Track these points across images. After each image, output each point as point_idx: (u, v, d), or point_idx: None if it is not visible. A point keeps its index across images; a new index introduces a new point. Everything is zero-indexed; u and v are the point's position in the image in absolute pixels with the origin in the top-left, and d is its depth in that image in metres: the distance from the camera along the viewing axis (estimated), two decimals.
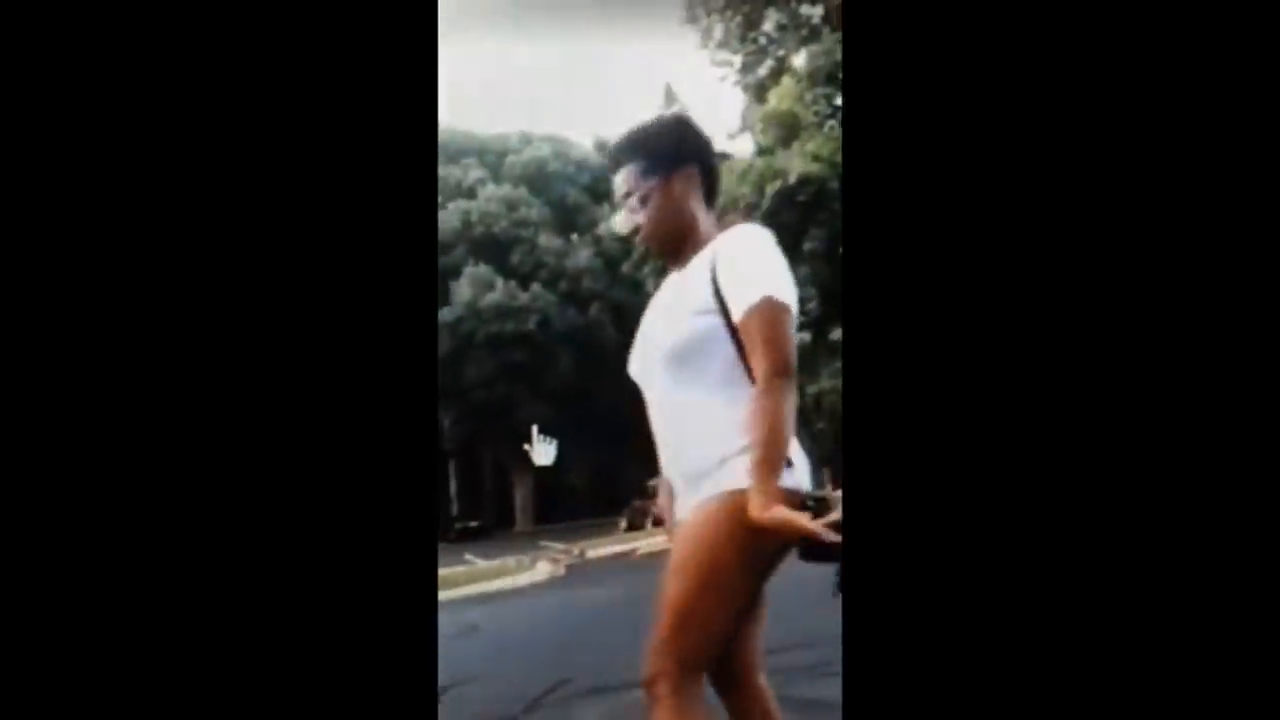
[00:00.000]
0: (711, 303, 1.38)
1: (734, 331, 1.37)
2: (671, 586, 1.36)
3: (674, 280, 1.52)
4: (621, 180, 1.50)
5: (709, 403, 1.39)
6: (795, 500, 1.32)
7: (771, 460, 1.29)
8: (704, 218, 1.51)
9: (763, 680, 1.52)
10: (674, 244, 1.50)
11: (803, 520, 1.25)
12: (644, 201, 1.47)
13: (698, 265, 1.44)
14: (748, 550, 1.33)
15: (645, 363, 1.49)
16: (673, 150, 1.49)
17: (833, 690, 3.00)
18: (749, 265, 1.38)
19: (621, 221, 1.51)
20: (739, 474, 1.32)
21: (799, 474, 1.38)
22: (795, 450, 1.39)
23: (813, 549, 1.30)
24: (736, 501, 1.30)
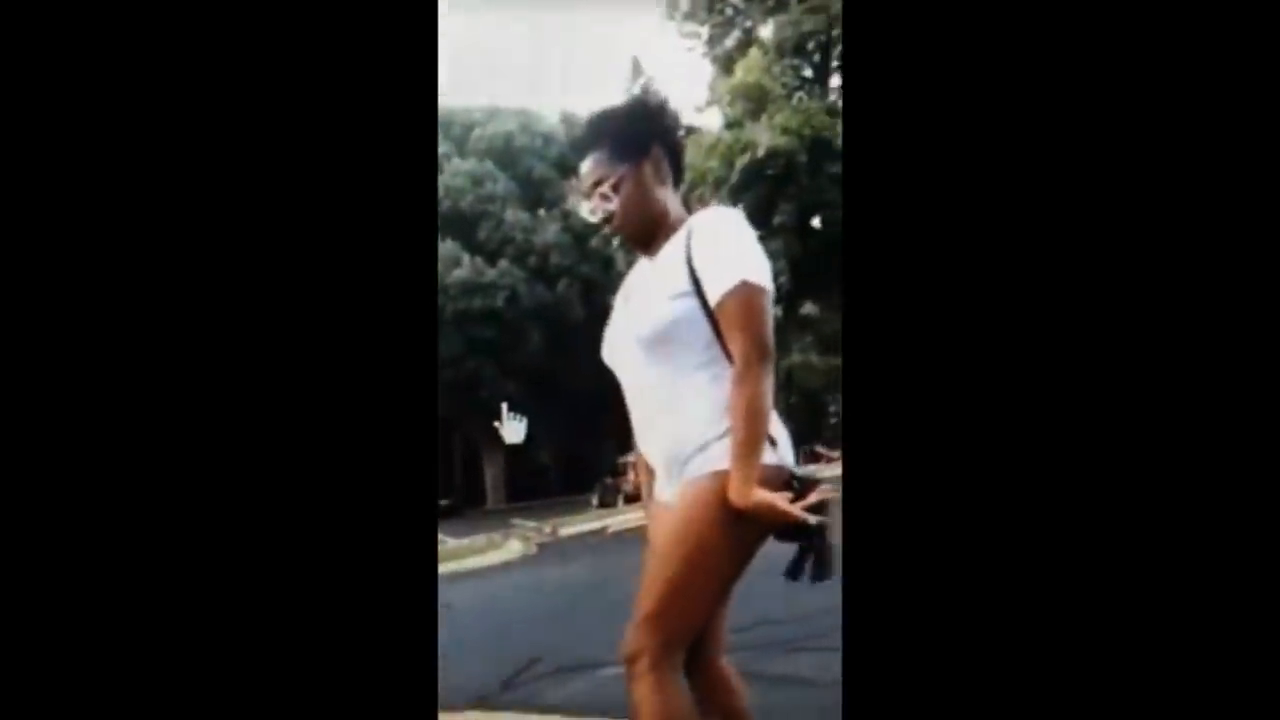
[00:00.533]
0: (687, 286, 1.38)
1: (710, 314, 1.36)
2: (658, 565, 1.36)
3: (645, 266, 1.51)
4: (589, 168, 1.48)
5: (688, 386, 1.39)
6: (779, 479, 1.34)
7: (751, 444, 1.30)
8: (673, 201, 1.50)
9: (725, 661, 1.53)
10: (646, 230, 1.48)
11: (782, 504, 1.29)
12: (616, 189, 1.45)
13: (671, 249, 1.43)
14: (734, 530, 1.33)
15: (619, 349, 1.48)
16: (640, 134, 1.47)
17: (803, 666, 3.05)
18: (724, 248, 1.37)
19: (591, 210, 1.49)
20: (722, 456, 1.33)
21: (782, 451, 1.39)
22: (777, 427, 1.40)
23: (788, 529, 1.32)
24: (723, 482, 1.32)
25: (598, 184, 1.47)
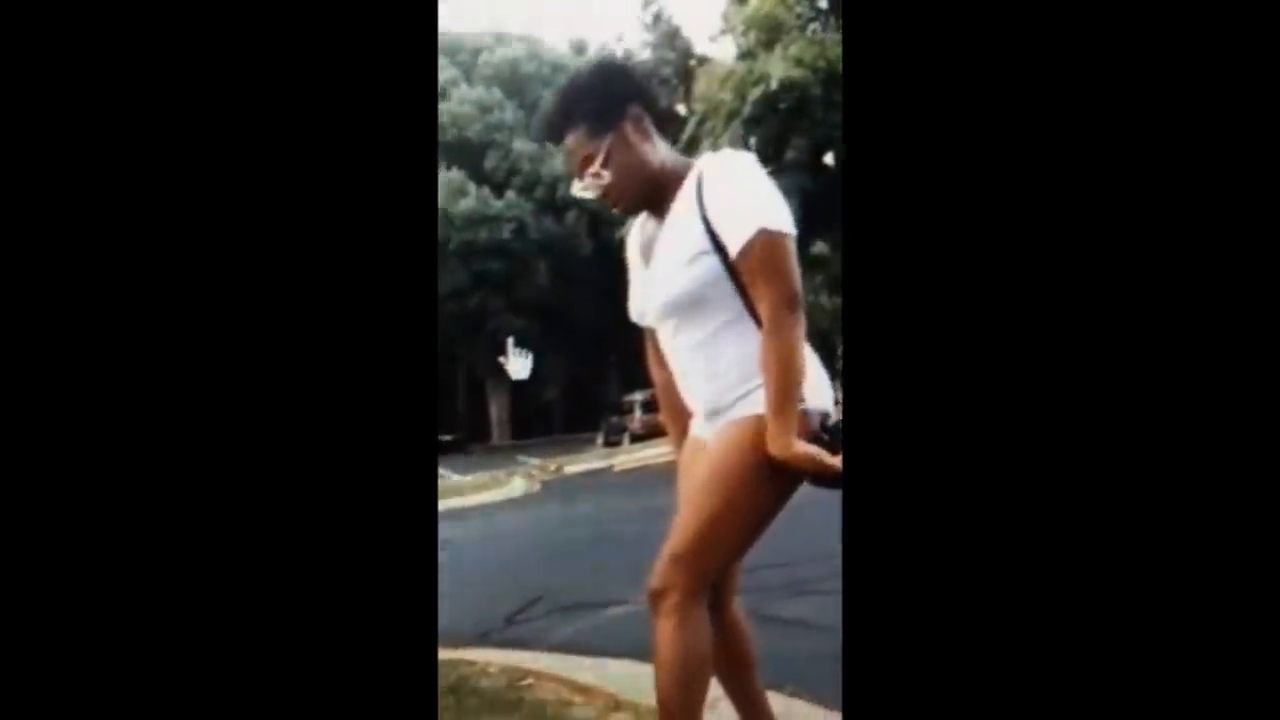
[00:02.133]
0: (705, 243, 1.34)
1: (733, 268, 1.34)
2: (694, 502, 1.37)
3: (653, 225, 1.46)
4: (572, 147, 1.42)
5: (723, 343, 1.38)
6: (814, 424, 1.34)
7: (786, 396, 1.30)
8: (666, 153, 1.44)
9: (738, 606, 1.54)
10: (646, 194, 1.43)
11: (822, 455, 1.30)
12: (606, 163, 1.39)
13: (682, 206, 1.38)
14: (772, 473, 1.33)
15: (647, 312, 1.47)
16: (612, 99, 1.40)
17: (807, 609, 3.05)
18: (737, 196, 1.33)
19: (584, 188, 1.43)
20: (760, 404, 1.34)
21: (821, 396, 1.39)
22: (815, 368, 1.39)
23: (824, 477, 1.32)
24: (764, 426, 1.32)
25: (586, 162, 1.40)
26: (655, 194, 1.42)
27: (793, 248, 1.32)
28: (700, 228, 1.34)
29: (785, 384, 1.29)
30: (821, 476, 1.32)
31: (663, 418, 1.63)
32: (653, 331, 1.53)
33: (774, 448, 1.29)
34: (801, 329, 1.32)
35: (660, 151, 1.42)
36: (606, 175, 1.39)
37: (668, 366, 1.53)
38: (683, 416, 1.56)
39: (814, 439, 1.32)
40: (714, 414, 1.42)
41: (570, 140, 1.41)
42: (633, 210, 1.47)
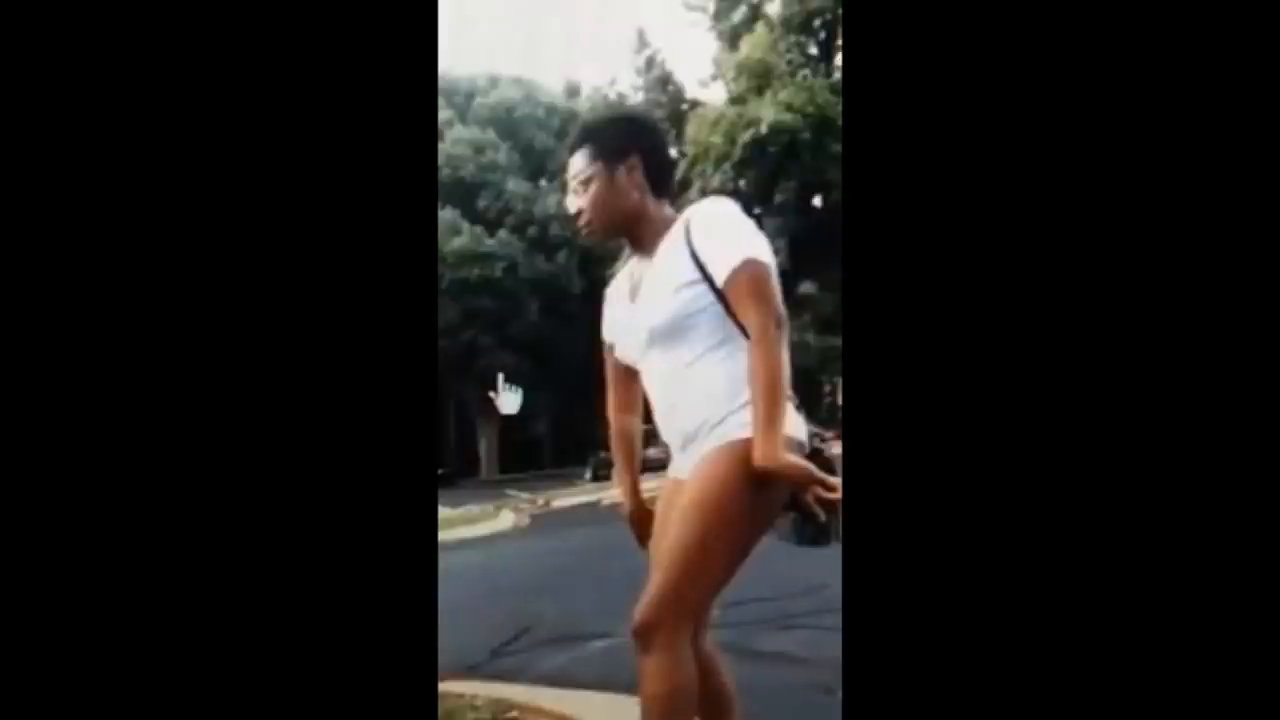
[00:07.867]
0: (694, 273, 1.43)
1: (720, 296, 1.42)
2: (676, 536, 1.38)
3: (645, 264, 1.56)
4: (572, 165, 1.57)
5: (704, 365, 1.44)
6: (792, 448, 1.36)
7: (775, 408, 1.32)
8: (653, 205, 1.56)
9: (709, 642, 1.55)
10: (617, 229, 1.57)
11: (812, 467, 1.32)
12: (585, 185, 1.53)
13: (670, 244, 1.49)
14: (753, 497, 1.36)
15: (634, 344, 1.54)
16: (618, 141, 1.55)
17: (791, 643, 3.08)
18: (725, 231, 1.44)
19: (569, 202, 1.59)
20: (738, 427, 1.38)
21: (796, 426, 1.42)
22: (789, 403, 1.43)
23: (807, 530, 1.37)
24: (739, 450, 1.35)
25: (577, 179, 1.55)
26: (631, 234, 1.55)
27: (776, 279, 1.41)
28: (688, 261, 1.43)
29: (773, 396, 1.32)
30: (802, 528, 1.37)
31: (616, 464, 1.69)
32: (617, 377, 1.63)
33: (762, 458, 1.30)
34: (786, 349, 1.36)
35: (645, 201, 1.54)
36: (584, 197, 1.53)
37: (630, 411, 1.65)
38: (634, 466, 1.67)
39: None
40: (690, 442, 1.46)
41: (574, 158, 1.55)
42: (601, 236, 1.61)
